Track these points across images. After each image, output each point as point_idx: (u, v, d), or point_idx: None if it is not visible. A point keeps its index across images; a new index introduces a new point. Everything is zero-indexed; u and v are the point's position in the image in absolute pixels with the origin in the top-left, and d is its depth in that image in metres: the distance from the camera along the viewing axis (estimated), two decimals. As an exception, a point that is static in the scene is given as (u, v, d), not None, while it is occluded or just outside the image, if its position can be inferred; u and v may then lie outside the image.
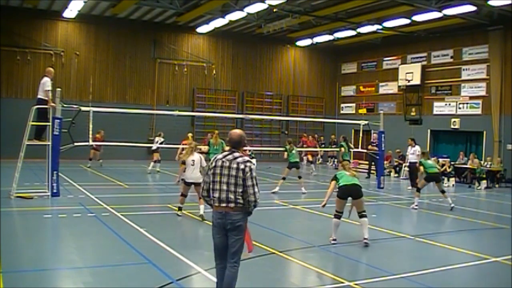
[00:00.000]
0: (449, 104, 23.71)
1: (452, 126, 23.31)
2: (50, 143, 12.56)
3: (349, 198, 8.95)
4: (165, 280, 6.33)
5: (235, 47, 27.87)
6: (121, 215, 10.51)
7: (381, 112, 20.18)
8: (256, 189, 5.18)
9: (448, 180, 20.11)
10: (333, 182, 9.03)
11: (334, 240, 8.74)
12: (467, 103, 22.96)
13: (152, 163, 19.60)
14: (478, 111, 22.43)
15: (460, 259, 8.25)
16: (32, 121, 12.69)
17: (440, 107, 24.16)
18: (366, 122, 18.80)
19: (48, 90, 12.82)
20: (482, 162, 20.50)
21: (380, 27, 22.47)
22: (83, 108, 13.43)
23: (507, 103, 21.08)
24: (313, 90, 30.28)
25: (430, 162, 13.45)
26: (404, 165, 21.89)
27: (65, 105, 13.03)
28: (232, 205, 5.17)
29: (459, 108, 23.24)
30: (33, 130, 12.98)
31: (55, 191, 12.46)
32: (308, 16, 22.00)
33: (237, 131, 5.45)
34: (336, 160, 24.72)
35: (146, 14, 23.82)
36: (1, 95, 22.31)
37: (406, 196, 16.13)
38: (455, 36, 23.16)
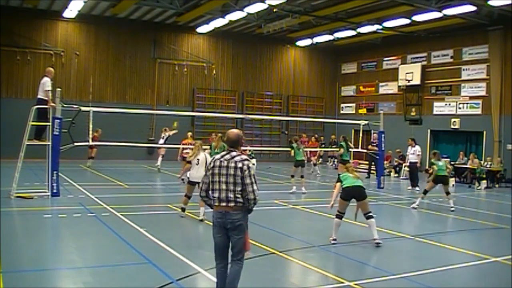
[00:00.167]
0: (449, 104, 23.72)
1: (452, 126, 23.31)
2: (50, 143, 12.56)
3: (352, 200, 8.94)
4: (165, 280, 6.33)
5: (235, 47, 27.87)
6: (121, 215, 10.51)
7: (381, 112, 20.18)
8: (255, 187, 5.19)
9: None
10: (338, 184, 9.01)
11: (334, 240, 8.75)
12: (467, 103, 22.96)
13: (159, 160, 19.82)
14: (478, 111, 22.43)
15: (460, 259, 8.25)
16: (32, 121, 12.68)
17: (440, 107, 24.16)
18: (366, 122, 18.80)
19: (48, 90, 12.83)
20: (482, 162, 20.49)
21: (380, 27, 22.47)
22: (83, 108, 13.42)
23: (507, 103, 21.08)
24: (313, 90, 30.28)
25: (441, 163, 13.33)
26: (404, 165, 21.90)
27: (65, 105, 13.02)
28: (232, 204, 5.19)
29: (459, 108, 23.24)
30: (33, 130, 12.97)
31: (55, 191, 12.46)
32: (308, 16, 22.00)
33: (235, 131, 5.48)
34: (336, 160, 24.70)
35: (146, 14, 23.82)
36: (1, 95, 22.31)
37: (406, 196, 16.13)
38: (455, 36, 23.16)
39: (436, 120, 24.28)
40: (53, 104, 12.75)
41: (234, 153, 5.31)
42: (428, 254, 8.50)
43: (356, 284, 6.48)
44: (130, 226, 9.57)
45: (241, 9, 20.46)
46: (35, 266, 6.93)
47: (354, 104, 29.51)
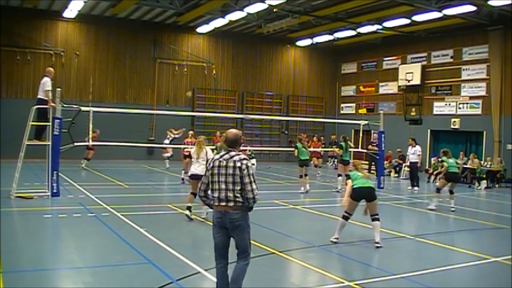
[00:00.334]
0: (449, 104, 23.72)
1: (452, 126, 23.31)
2: (50, 143, 12.56)
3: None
4: (165, 280, 6.33)
5: (235, 47, 27.87)
6: (121, 215, 10.51)
7: (381, 112, 20.18)
8: (254, 186, 5.20)
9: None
10: (349, 182, 8.92)
11: (336, 239, 8.72)
12: (467, 103, 22.96)
13: (167, 160, 19.79)
14: (478, 111, 22.43)
15: (460, 259, 8.25)
16: (32, 121, 12.68)
17: (440, 107, 24.16)
18: (366, 122, 18.80)
19: (48, 90, 12.83)
20: (482, 162, 20.50)
21: (380, 27, 22.47)
22: (83, 108, 13.41)
23: (507, 103, 21.08)
24: (313, 90, 30.28)
25: (452, 160, 13.32)
26: (404, 165, 21.90)
27: (65, 105, 13.02)
28: (231, 204, 5.20)
29: (459, 108, 23.24)
30: (33, 130, 12.97)
31: (55, 191, 12.46)
32: (308, 16, 22.00)
33: (233, 131, 5.51)
34: (336, 160, 24.69)
35: (146, 14, 23.82)
36: (1, 95, 22.30)
37: (406, 196, 16.14)
38: (455, 36, 23.16)
39: (436, 120, 24.28)
40: (53, 104, 12.75)
41: (233, 153, 5.33)
42: (428, 254, 8.50)
43: (356, 284, 6.48)
44: (130, 226, 9.57)
45: (241, 9, 20.46)
46: (35, 266, 6.93)
47: (354, 104, 29.51)
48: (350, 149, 18.50)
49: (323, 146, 25.83)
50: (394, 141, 22.79)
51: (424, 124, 24.81)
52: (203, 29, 24.88)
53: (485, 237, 10.53)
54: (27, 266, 6.93)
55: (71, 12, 21.90)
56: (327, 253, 8.29)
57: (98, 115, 14.44)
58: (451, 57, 23.71)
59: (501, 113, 21.30)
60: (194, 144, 16.67)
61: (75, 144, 13.21)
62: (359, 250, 8.47)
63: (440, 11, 18.96)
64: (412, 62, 25.58)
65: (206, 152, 10.43)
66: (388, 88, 27.17)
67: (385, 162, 21.28)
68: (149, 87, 25.79)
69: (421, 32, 23.56)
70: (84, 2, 20.33)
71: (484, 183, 19.39)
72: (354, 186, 8.77)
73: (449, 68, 23.75)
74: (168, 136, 19.70)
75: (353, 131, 26.46)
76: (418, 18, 20.38)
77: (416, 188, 17.63)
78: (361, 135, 19.96)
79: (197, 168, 10.36)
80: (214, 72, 27.11)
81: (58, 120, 12.55)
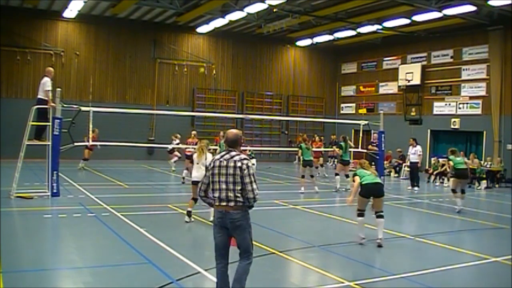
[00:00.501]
0: (449, 104, 23.72)
1: (452, 126, 23.31)
2: (50, 143, 12.55)
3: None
4: (165, 280, 6.33)
5: (235, 47, 27.87)
6: (121, 215, 10.50)
7: (381, 112, 20.16)
8: (254, 186, 5.20)
9: (448, 180, 20.06)
10: (357, 178, 8.87)
11: (363, 239, 8.69)
12: (467, 103, 22.96)
13: (173, 163, 19.80)
14: (478, 111, 22.43)
15: (460, 259, 8.24)
16: (32, 121, 12.68)
17: (440, 107, 24.17)
18: (366, 122, 18.78)
19: (48, 90, 12.82)
20: (482, 162, 20.49)
21: (380, 27, 22.48)
22: (83, 108, 13.40)
23: (507, 103, 21.08)
24: (313, 90, 30.28)
25: (459, 158, 13.24)
26: (404, 165, 21.89)
27: (65, 105, 13.01)
28: (232, 203, 5.20)
29: (459, 108, 23.24)
30: (33, 130, 12.97)
31: (55, 191, 12.45)
32: (308, 16, 22.00)
33: (233, 131, 5.51)
34: (336, 160, 24.70)
35: (146, 14, 23.82)
36: (1, 95, 22.31)
37: (406, 196, 16.13)
38: (455, 36, 23.16)
39: (436, 120, 24.28)
40: (53, 104, 12.74)
41: (233, 153, 5.32)
42: (428, 254, 8.50)
43: (356, 284, 6.48)
44: (130, 226, 9.57)
45: (241, 9, 20.47)
46: (35, 266, 6.93)
47: (354, 104, 29.51)
48: (350, 149, 18.51)
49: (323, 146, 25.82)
50: (394, 141, 22.79)
51: (424, 124, 24.82)
52: (203, 29, 24.88)
53: (485, 237, 10.53)
54: (27, 266, 6.93)
55: (71, 12, 21.91)
56: (327, 253, 8.29)
57: (98, 115, 14.43)
58: (451, 57, 23.72)
59: (501, 113, 21.30)
60: (195, 144, 16.80)
61: (75, 144, 13.21)
62: (359, 250, 8.47)
63: (440, 11, 18.96)
64: (412, 62, 25.58)
65: (206, 158, 10.33)
66: (388, 88, 27.18)
67: (385, 162, 21.27)
68: (149, 87, 25.80)
69: (421, 32, 23.56)
70: (84, 2, 20.33)
71: (484, 183, 19.39)
72: (363, 183, 8.76)
73: (449, 68, 23.76)
74: (174, 142, 19.44)
75: (353, 131, 26.45)
76: (418, 18, 20.38)
77: (416, 188, 17.64)
78: (361, 135, 19.94)
79: (197, 173, 10.26)
80: (214, 72, 27.11)
81: (58, 120, 12.55)
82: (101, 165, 20.52)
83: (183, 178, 16.75)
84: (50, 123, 12.54)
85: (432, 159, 22.15)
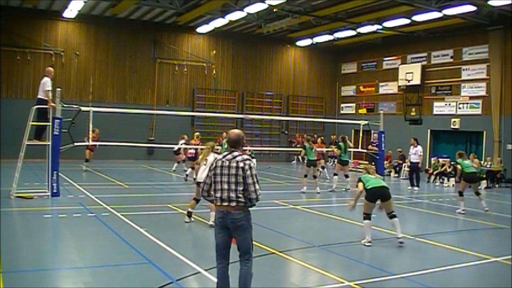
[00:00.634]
0: (449, 104, 23.72)
1: (452, 126, 23.31)
2: (50, 143, 12.55)
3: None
4: (165, 280, 6.33)
5: (235, 47, 27.87)
6: (121, 215, 10.50)
7: (381, 112, 20.17)
8: (257, 186, 5.20)
9: (448, 180, 20.10)
10: (360, 184, 8.87)
11: (370, 242, 8.66)
12: (467, 103, 22.96)
13: (176, 164, 19.71)
14: (478, 111, 22.43)
15: (460, 259, 8.24)
16: (32, 121, 12.68)
17: (440, 107, 24.17)
18: (366, 122, 18.79)
19: (48, 90, 12.82)
20: (482, 162, 20.48)
21: (380, 27, 22.47)
22: (83, 108, 13.40)
23: (507, 103, 21.08)
24: (313, 90, 30.28)
25: (467, 162, 13.16)
26: (404, 165, 21.89)
27: (65, 105, 13.01)
28: (233, 204, 5.20)
29: (459, 108, 23.24)
30: (33, 130, 12.97)
31: (55, 191, 12.45)
32: (308, 16, 22.00)
33: (236, 131, 5.50)
34: (336, 160, 24.72)
35: (146, 14, 23.82)
36: (1, 95, 22.30)
37: (406, 196, 16.13)
38: (455, 36, 23.16)
39: (436, 120, 24.28)
40: (53, 104, 12.74)
41: (235, 153, 5.31)
42: (428, 254, 8.50)
43: (356, 284, 6.48)
44: (130, 226, 9.56)
45: (241, 9, 20.46)
46: (35, 266, 6.93)
47: (354, 104, 29.51)
48: (349, 149, 18.50)
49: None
50: (394, 141, 22.80)
51: (424, 124, 24.82)
52: (203, 29, 24.88)
53: (485, 237, 10.53)
54: (27, 266, 6.93)
55: (71, 12, 21.90)
56: (327, 253, 8.29)
57: (98, 115, 14.44)
58: (451, 57, 23.72)
59: (501, 113, 21.30)
60: (198, 145, 16.80)
61: (75, 144, 13.21)
62: (359, 250, 8.47)
63: (440, 11, 18.96)
64: (412, 62, 25.59)
65: (207, 160, 10.21)
66: (388, 88, 27.18)
67: (385, 162, 21.26)
68: (149, 87, 25.79)
69: (421, 32, 23.56)
70: (84, 2, 20.33)
71: (484, 183, 19.37)
72: (368, 187, 8.74)
73: (449, 68, 23.76)
74: (181, 142, 19.29)
75: (353, 131, 26.46)
76: (418, 18, 20.38)
77: (416, 188, 17.64)
78: (361, 135, 19.95)
79: (203, 175, 10.11)
80: (214, 72, 27.11)
81: (58, 120, 12.54)
82: (101, 165, 20.50)
83: (187, 175, 16.81)
84: (50, 123, 12.54)
85: (432, 159, 22.15)
